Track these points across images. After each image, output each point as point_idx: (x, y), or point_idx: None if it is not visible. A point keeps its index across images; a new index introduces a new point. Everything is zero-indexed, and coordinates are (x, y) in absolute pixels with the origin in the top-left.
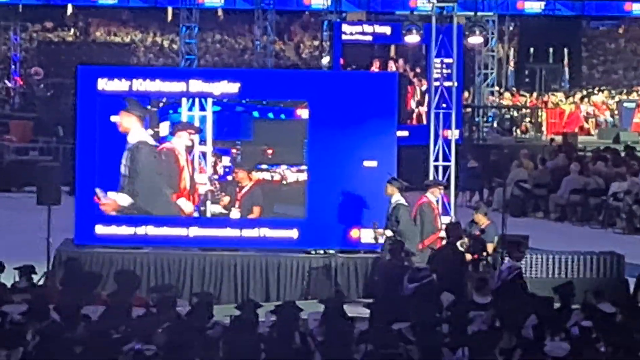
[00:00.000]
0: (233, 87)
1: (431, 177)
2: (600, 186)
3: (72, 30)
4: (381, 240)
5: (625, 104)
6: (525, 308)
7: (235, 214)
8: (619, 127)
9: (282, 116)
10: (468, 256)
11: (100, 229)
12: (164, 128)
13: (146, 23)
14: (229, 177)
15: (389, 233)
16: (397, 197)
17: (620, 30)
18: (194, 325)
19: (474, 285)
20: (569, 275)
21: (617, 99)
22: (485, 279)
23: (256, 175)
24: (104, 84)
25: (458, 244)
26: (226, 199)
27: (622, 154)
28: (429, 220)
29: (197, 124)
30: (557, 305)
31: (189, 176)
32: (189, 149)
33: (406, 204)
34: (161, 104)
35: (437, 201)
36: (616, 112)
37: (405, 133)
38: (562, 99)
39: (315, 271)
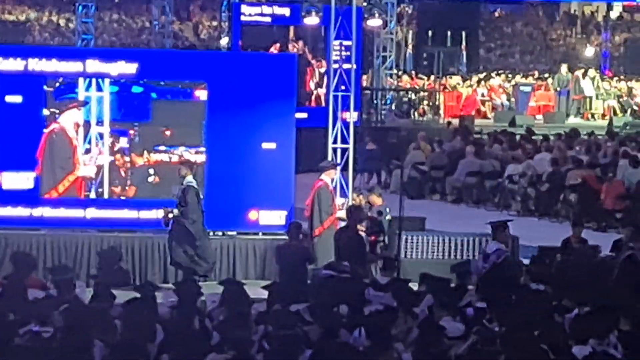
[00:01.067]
0: (131, 68)
1: (329, 160)
2: (496, 169)
3: None
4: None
5: (521, 88)
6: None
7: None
8: (515, 111)
9: (181, 97)
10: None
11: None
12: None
13: (42, 1)
14: (126, 158)
15: (176, 212)
16: (189, 179)
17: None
18: (93, 307)
19: (381, 265)
20: (464, 256)
21: (513, 82)
22: (392, 258)
23: (154, 156)
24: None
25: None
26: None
27: (518, 137)
28: (327, 203)
29: (94, 104)
30: (453, 286)
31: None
32: (78, 126)
33: (196, 186)
34: (57, 84)
35: (333, 181)
36: (512, 95)
37: (304, 115)
38: (459, 82)
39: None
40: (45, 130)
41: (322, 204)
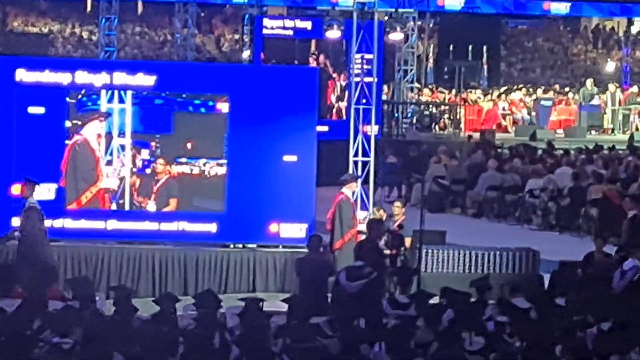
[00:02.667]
0: (149, 80)
1: (351, 172)
2: (517, 183)
3: None
4: None
5: (542, 102)
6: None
7: (151, 206)
8: (535, 125)
9: (202, 110)
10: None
11: (16, 222)
12: None
13: (65, 13)
14: (148, 170)
15: (17, 235)
16: (31, 200)
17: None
18: (113, 319)
19: (399, 284)
20: (485, 270)
21: (534, 96)
22: (411, 280)
23: (175, 168)
24: (23, 75)
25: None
26: (144, 192)
27: (539, 151)
28: (348, 216)
29: (116, 116)
30: (473, 300)
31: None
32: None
33: (38, 206)
34: (79, 96)
35: (354, 194)
36: (533, 109)
37: (325, 128)
38: (480, 96)
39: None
40: (69, 142)
41: (343, 217)
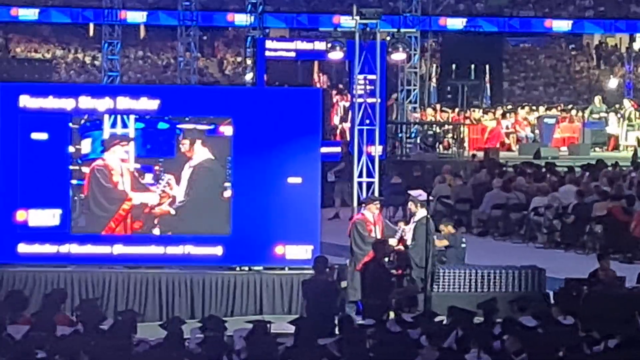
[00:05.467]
0: (152, 104)
1: (355, 194)
2: (522, 201)
3: None
4: None
5: (545, 120)
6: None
7: (156, 231)
8: (539, 143)
9: (205, 133)
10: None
11: (22, 248)
12: (86, 145)
13: (68, 39)
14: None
15: None
16: None
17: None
18: (119, 343)
19: (405, 304)
20: (491, 289)
21: (537, 114)
22: (414, 296)
23: None
24: (26, 101)
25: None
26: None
27: (543, 169)
28: (359, 237)
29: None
30: (480, 319)
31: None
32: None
33: None
34: (82, 121)
35: (374, 215)
36: (537, 127)
37: (330, 149)
38: (483, 115)
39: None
40: (88, 167)
41: (355, 239)
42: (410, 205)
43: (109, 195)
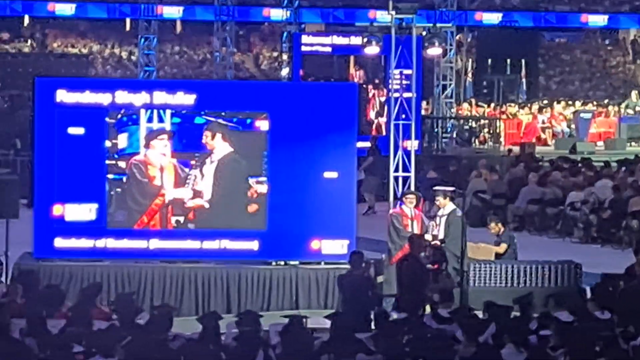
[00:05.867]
0: (189, 99)
1: (391, 188)
2: (558, 196)
3: (29, 41)
4: None
5: (581, 115)
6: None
7: (191, 225)
8: (575, 138)
9: (241, 128)
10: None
11: (59, 242)
12: (122, 140)
13: (104, 34)
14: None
15: None
16: None
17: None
18: (155, 337)
19: (439, 298)
20: (527, 284)
21: (573, 109)
22: (450, 291)
23: None
24: (63, 96)
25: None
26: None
27: (579, 164)
28: (394, 231)
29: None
30: (516, 314)
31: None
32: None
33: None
34: (119, 116)
35: (411, 212)
36: (573, 122)
37: (366, 144)
38: (519, 110)
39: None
40: (125, 162)
41: (391, 232)
42: (438, 198)
43: (143, 190)
